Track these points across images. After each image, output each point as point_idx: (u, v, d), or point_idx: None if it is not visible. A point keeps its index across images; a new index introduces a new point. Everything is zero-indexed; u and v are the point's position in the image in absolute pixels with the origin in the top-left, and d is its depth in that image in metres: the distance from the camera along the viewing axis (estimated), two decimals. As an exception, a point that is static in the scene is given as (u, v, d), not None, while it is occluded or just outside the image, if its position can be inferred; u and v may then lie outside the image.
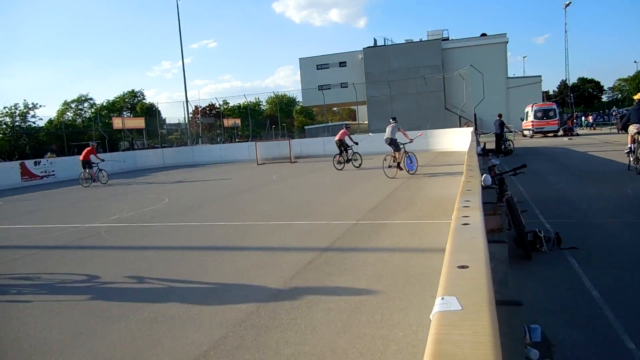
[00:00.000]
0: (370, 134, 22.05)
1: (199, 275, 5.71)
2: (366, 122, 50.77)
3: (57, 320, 4.59)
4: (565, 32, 50.96)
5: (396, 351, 3.44)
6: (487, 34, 48.60)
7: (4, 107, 46.23)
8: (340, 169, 18.22)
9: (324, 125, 52.67)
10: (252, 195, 13.09)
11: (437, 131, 27.10)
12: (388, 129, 15.24)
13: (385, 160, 14.80)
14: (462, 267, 1.05)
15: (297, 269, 5.65)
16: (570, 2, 49.61)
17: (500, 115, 22.39)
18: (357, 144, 18.40)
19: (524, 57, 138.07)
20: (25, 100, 59.34)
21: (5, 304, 5.18)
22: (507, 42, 47.35)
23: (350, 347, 3.56)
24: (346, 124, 19.94)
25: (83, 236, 8.70)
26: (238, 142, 43.32)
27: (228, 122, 52.05)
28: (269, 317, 4.27)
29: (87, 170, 19.46)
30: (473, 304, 0.87)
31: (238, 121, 52.98)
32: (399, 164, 14.80)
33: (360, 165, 18.48)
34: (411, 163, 15.02)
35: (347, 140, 18.35)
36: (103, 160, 20.18)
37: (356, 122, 60.35)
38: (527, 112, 36.47)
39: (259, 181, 17.10)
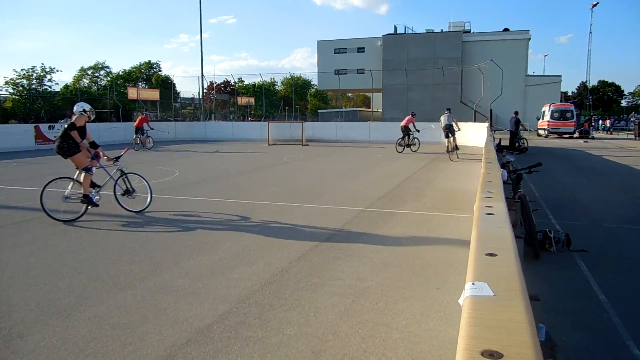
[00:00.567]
0: (432, 125, 23.06)
1: (205, 250, 5.75)
2: (380, 110, 50.47)
3: (64, 283, 4.65)
4: (590, 33, 50.18)
5: (398, 339, 3.45)
6: (510, 30, 47.85)
7: (22, 69, 46.43)
8: (400, 152, 19.92)
9: (337, 110, 52.51)
10: (261, 175, 13.11)
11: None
12: (444, 118, 18.07)
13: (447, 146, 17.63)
14: (491, 254, 1.04)
15: (303, 251, 5.66)
16: (597, 3, 48.67)
17: (516, 113, 22.15)
18: (419, 131, 20.32)
19: (545, 55, 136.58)
20: (42, 63, 59.60)
21: (16, 261, 5.25)
22: (529, 39, 46.60)
23: (353, 332, 3.57)
24: (413, 112, 21.31)
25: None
26: (250, 120, 43.30)
27: (242, 100, 51.96)
28: (273, 296, 4.29)
29: (139, 136, 22.08)
30: (505, 290, 0.86)
31: (252, 100, 52.88)
32: (454, 147, 17.55)
33: (417, 150, 20.22)
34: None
35: (411, 126, 20.23)
36: (152, 129, 22.80)
37: (370, 110, 59.99)
38: (544, 112, 36.05)
39: (269, 161, 17.10)
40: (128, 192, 8.09)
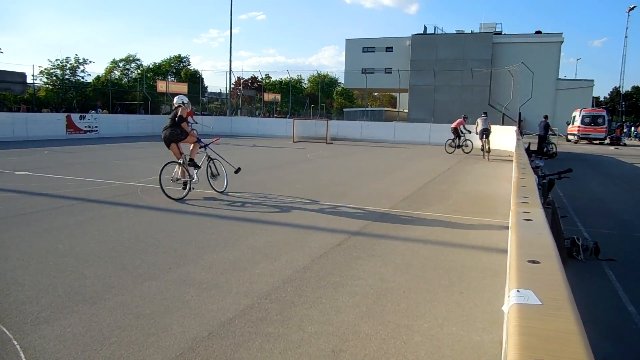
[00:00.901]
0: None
1: (229, 244, 5.79)
2: (406, 111, 50.10)
3: (91, 271, 4.74)
4: (626, 37, 48.79)
5: (419, 342, 3.41)
6: (542, 32, 46.88)
7: (56, 60, 47.54)
8: (451, 153, 20.34)
9: (363, 109, 52.32)
10: (285, 172, 13.15)
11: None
12: (481, 121, 18.94)
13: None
14: (533, 262, 1.01)
15: (325, 249, 5.66)
16: (634, 7, 47.31)
17: (546, 117, 21.73)
18: (469, 132, 20.75)
19: (578, 59, 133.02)
20: (76, 54, 60.94)
21: (44, 247, 5.38)
22: (562, 42, 45.60)
23: (374, 332, 3.55)
24: (464, 115, 21.54)
25: (120, 193, 8.94)
26: (276, 117, 43.48)
27: (268, 97, 52.20)
28: (295, 293, 4.29)
29: None
30: (553, 300, 0.84)
31: (278, 97, 53.05)
32: (489, 149, 18.65)
33: (470, 151, 20.48)
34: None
35: (461, 128, 20.78)
36: (197, 122, 22.94)
37: (396, 110, 59.61)
38: (575, 117, 35.27)
39: (293, 158, 17.15)
40: (213, 175, 9.36)
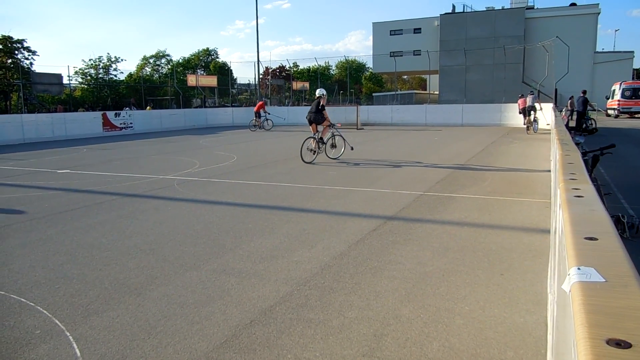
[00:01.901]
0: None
1: (265, 233, 5.86)
2: (437, 92, 49.28)
3: (134, 263, 4.89)
4: (668, 3, 46.29)
5: (462, 325, 3.38)
6: (577, 4, 45.11)
7: (89, 59, 48.78)
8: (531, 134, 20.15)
9: (392, 93, 51.74)
10: (317, 159, 13.14)
11: (512, 105, 25.82)
12: (529, 99, 20.12)
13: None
14: (591, 238, 0.98)
15: (361, 235, 5.66)
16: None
17: (584, 92, 20.98)
18: (541, 109, 20.99)
19: (616, 30, 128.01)
20: (108, 53, 62.32)
21: (89, 242, 5.57)
22: (598, 13, 43.73)
23: (415, 316, 3.54)
24: (531, 91, 22.32)
25: (158, 187, 9.14)
26: (305, 105, 43.48)
27: (297, 85, 52.20)
28: (333, 279, 4.32)
29: (256, 119, 25.83)
30: (617, 276, 0.81)
31: (307, 84, 53.00)
32: (532, 121, 20.04)
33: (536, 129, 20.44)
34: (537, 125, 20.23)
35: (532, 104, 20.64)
36: (269, 113, 26.38)
37: (426, 92, 58.71)
38: (614, 90, 33.92)
39: (325, 145, 17.11)
40: (332, 146, 12.97)
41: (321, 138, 12.44)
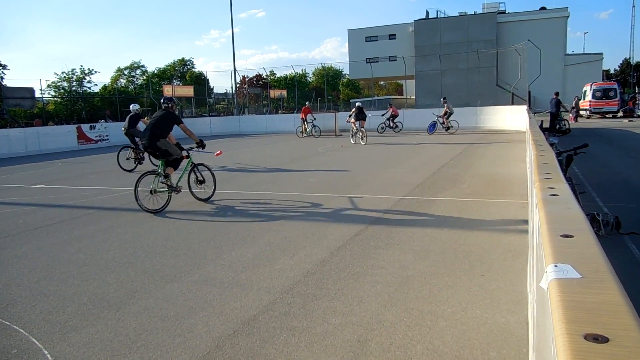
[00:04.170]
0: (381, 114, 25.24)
1: (246, 243, 5.82)
2: (413, 97, 49.78)
3: (113, 277, 4.80)
4: (633, 7, 47.90)
5: (445, 327, 3.40)
6: (547, 8, 46.18)
7: (62, 72, 47.98)
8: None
9: (370, 99, 52.03)
10: (297, 166, 13.14)
11: (487, 108, 26.26)
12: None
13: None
14: (567, 236, 1.00)
15: (343, 241, 5.66)
16: (640, -26, 46.32)
17: (557, 94, 21.45)
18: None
19: (585, 33, 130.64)
20: (82, 66, 61.40)
21: (66, 257, 5.45)
22: (568, 16, 44.89)
23: (398, 320, 3.54)
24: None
25: (134, 199, 8.99)
26: (283, 113, 43.47)
27: (274, 93, 52.19)
28: (316, 286, 4.30)
29: (303, 125, 25.28)
30: (593, 272, 0.82)
31: (284, 92, 53.03)
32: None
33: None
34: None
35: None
36: (315, 119, 25.36)
37: (403, 97, 59.27)
38: (585, 91, 34.74)
39: (303, 153, 17.14)
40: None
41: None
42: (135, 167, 13.59)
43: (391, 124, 24.41)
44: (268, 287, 4.32)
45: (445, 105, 22.71)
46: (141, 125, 13.12)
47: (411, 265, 4.72)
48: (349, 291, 4.14)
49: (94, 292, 4.40)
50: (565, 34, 45.13)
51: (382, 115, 24.56)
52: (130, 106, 14.35)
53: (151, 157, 10.19)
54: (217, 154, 9.69)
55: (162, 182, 7.98)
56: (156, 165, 8.97)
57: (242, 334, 3.45)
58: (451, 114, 22.62)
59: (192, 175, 8.45)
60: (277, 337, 3.38)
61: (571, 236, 0.99)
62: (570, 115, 28.99)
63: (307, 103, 26.85)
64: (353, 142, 19.72)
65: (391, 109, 24.76)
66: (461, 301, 3.83)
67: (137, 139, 13.39)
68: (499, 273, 4.43)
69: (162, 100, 8.55)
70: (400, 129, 24.60)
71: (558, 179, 1.75)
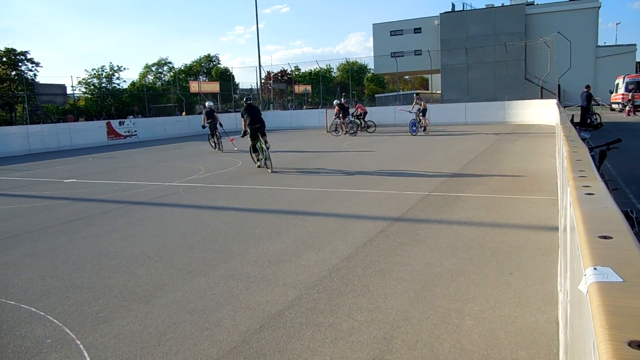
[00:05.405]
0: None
1: (272, 237, 5.86)
2: (439, 92, 49.19)
3: (142, 270, 4.89)
4: (669, -4, 46.03)
5: (472, 326, 3.36)
6: (578, -1, 44.94)
7: (92, 69, 48.96)
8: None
9: (395, 93, 51.65)
10: (322, 162, 13.15)
11: (515, 102, 25.73)
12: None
13: None
14: (605, 237, 0.97)
15: (368, 237, 5.64)
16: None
17: (587, 87, 20.88)
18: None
19: (618, 23, 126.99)
20: (111, 62, 62.63)
21: (97, 250, 5.59)
22: (599, 7, 43.57)
23: (424, 318, 3.52)
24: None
25: (163, 194, 9.16)
26: (308, 108, 43.51)
27: (299, 89, 52.23)
28: (342, 282, 4.31)
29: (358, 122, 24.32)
30: (635, 275, 0.80)
31: (309, 88, 53.01)
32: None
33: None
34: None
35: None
36: (366, 112, 24.24)
37: (429, 92, 58.64)
38: (618, 84, 33.73)
39: (328, 148, 17.13)
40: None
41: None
42: (217, 147, 17.53)
43: (362, 123, 22.95)
44: (294, 283, 4.34)
45: (420, 102, 20.65)
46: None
47: (437, 262, 4.68)
48: (374, 288, 4.13)
49: (124, 285, 4.50)
50: (597, 25, 43.86)
51: (352, 114, 22.99)
52: (206, 103, 18.52)
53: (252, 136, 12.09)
54: (231, 140, 12.83)
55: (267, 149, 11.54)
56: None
57: (268, 328, 3.48)
58: (425, 110, 20.71)
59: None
60: (303, 332, 3.39)
61: (610, 237, 0.96)
62: (627, 108, 28.39)
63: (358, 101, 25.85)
64: (337, 135, 21.25)
65: (358, 107, 23.69)
66: (489, 299, 3.78)
67: (218, 127, 17.60)
68: (528, 271, 4.36)
69: (249, 98, 12.20)
70: (375, 129, 22.90)
71: (593, 177, 1.70)
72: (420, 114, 20.53)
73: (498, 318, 3.46)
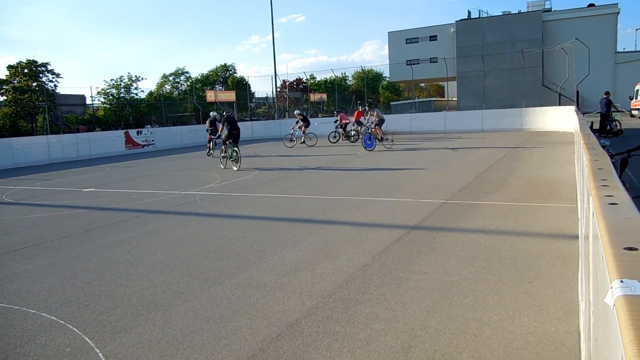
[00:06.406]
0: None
1: (288, 246, 5.86)
2: (455, 99, 48.93)
3: (160, 279, 4.93)
4: (690, 0, 45.28)
5: (491, 335, 3.32)
6: (596, 4, 44.48)
7: (111, 79, 49.81)
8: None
9: (410, 101, 51.53)
10: (337, 170, 13.15)
11: (533, 109, 25.49)
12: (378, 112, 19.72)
13: None
14: (631, 248, 0.95)
15: (385, 246, 5.61)
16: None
17: (607, 93, 20.59)
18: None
19: (637, 29, 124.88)
20: (129, 73, 63.62)
21: (115, 259, 5.65)
22: (618, 12, 43.03)
23: (442, 327, 3.48)
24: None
25: (180, 202, 9.24)
26: (323, 116, 43.59)
27: (314, 97, 52.46)
28: (359, 291, 4.29)
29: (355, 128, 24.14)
30: None
31: (324, 96, 53.21)
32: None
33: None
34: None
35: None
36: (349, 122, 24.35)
37: (445, 99, 58.36)
38: (638, 90, 33.20)
39: (343, 156, 17.13)
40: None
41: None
42: (210, 153, 19.69)
43: (344, 132, 23.10)
44: (310, 291, 4.33)
45: (374, 112, 18.98)
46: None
47: (455, 271, 4.64)
48: (391, 296, 4.10)
49: (142, 294, 4.54)
50: (616, 31, 43.30)
51: (334, 122, 23.68)
52: (211, 113, 19.93)
53: (227, 141, 14.86)
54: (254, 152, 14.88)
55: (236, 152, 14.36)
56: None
57: (285, 337, 3.47)
58: (382, 121, 19.23)
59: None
60: (320, 341, 3.38)
61: (635, 249, 0.95)
62: None
63: (360, 107, 24.86)
64: (291, 147, 22.43)
65: (339, 116, 23.85)
66: (508, 309, 3.73)
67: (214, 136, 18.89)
68: (547, 280, 4.29)
69: (228, 112, 15.57)
70: (357, 139, 21.76)
71: (615, 186, 1.67)
72: (374, 126, 18.70)
73: (518, 328, 3.41)
